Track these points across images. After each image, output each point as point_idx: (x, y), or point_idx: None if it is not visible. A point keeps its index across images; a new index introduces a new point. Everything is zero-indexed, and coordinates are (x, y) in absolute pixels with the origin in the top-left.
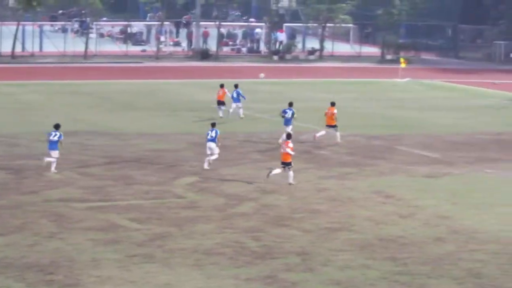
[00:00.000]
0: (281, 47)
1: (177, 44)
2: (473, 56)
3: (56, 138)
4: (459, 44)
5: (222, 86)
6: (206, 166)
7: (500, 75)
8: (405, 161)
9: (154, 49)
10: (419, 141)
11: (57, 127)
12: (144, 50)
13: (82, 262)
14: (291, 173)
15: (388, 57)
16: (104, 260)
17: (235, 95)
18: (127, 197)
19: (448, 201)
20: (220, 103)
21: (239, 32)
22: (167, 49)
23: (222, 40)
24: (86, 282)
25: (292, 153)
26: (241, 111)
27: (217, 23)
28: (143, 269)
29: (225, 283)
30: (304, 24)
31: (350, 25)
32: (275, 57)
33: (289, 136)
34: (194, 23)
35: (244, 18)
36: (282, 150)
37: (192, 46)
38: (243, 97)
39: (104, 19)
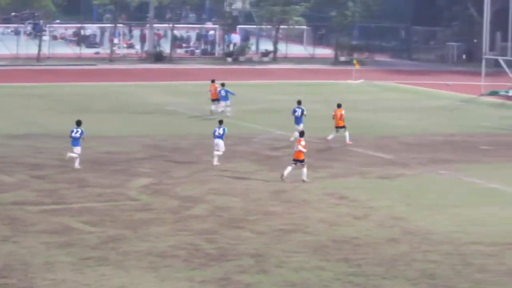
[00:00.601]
0: (235, 49)
1: (130, 46)
2: (426, 58)
3: (78, 135)
4: (413, 46)
5: (213, 81)
6: (215, 162)
7: (453, 76)
8: (359, 163)
9: (108, 51)
10: (373, 142)
11: (78, 123)
12: (97, 53)
13: (36, 266)
14: (304, 170)
15: (342, 58)
16: (58, 263)
17: (223, 93)
18: (81, 199)
19: (402, 202)
20: (215, 100)
21: (193, 34)
22: (121, 51)
23: (175, 42)
24: (40, 286)
25: (304, 150)
26: (228, 109)
27: (171, 25)
28: (97, 272)
29: (180, 285)
30: (258, 26)
31: (304, 27)
32: (229, 59)
33: (302, 134)
34: (148, 25)
35: (203, 18)
36: (295, 148)
37: (146, 48)
38: (232, 93)
39: (57, 21)
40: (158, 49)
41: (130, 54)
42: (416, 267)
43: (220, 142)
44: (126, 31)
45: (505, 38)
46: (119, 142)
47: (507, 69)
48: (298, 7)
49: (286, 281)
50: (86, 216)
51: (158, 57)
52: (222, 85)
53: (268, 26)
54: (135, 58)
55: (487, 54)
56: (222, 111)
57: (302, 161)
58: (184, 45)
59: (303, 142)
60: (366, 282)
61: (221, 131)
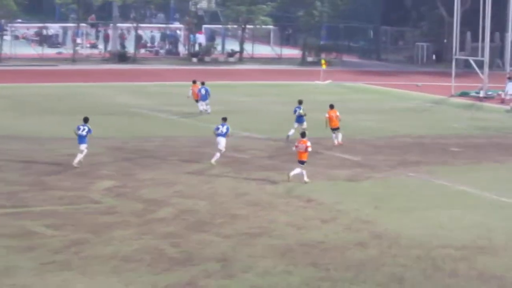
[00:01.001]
0: (200, 49)
1: (94, 46)
2: (395, 58)
3: (84, 133)
4: (381, 46)
5: (194, 82)
6: (213, 160)
7: (423, 77)
8: (326, 165)
9: (71, 51)
10: (342, 144)
11: (86, 120)
12: (60, 53)
13: None
14: (304, 171)
15: (309, 59)
16: (18, 268)
17: (203, 91)
18: (42, 203)
19: (370, 205)
20: (198, 100)
21: (157, 34)
22: (84, 51)
23: (140, 42)
24: None
25: (310, 150)
26: (208, 107)
27: (135, 25)
28: (59, 277)
29: None
30: (224, 26)
31: (271, 26)
32: (194, 59)
33: (303, 134)
34: (111, 25)
35: (175, 18)
36: (297, 149)
37: (109, 49)
38: (208, 94)
39: (19, 20)
40: (121, 49)
41: (94, 55)
42: (385, 271)
43: (222, 140)
44: (90, 31)
45: (475, 38)
46: None
47: (477, 70)
48: (264, 6)
49: (253, 286)
50: (47, 220)
51: (122, 58)
52: (202, 83)
53: (234, 26)
54: (99, 58)
55: (457, 55)
56: (202, 110)
57: (303, 162)
58: (148, 45)
59: (309, 143)
60: (334, 287)
61: (224, 129)
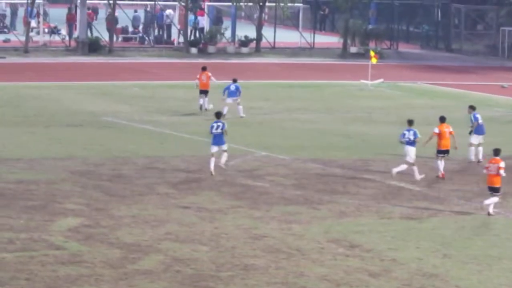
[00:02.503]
0: (201, 36)
1: (54, 31)
2: (471, 49)
3: (219, 130)
4: (452, 32)
5: (204, 69)
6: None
7: (510, 75)
8: (375, 196)
9: (22, 38)
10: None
11: (218, 115)
12: (7, 40)
13: None
14: (496, 199)
15: (353, 49)
16: None
17: (233, 88)
18: None
19: (436, 253)
20: (204, 92)
21: (142, 15)
22: (40, 38)
23: (117, 26)
24: None
25: (503, 174)
26: (241, 108)
27: (111, 2)
28: None
29: None
30: (235, 3)
31: (300, 5)
32: (194, 50)
33: (497, 151)
34: (78, 1)
35: None
36: (487, 171)
37: (76, 35)
38: (240, 92)
39: None
40: (92, 35)
41: (54, 43)
42: None
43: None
44: (49, 10)
45: None
46: (37, 166)
47: None
48: None
49: None
50: None
51: (93, 47)
52: (234, 81)
53: (249, 4)
54: (61, 48)
55: None
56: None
57: (497, 189)
58: (130, 29)
59: (502, 164)
60: None
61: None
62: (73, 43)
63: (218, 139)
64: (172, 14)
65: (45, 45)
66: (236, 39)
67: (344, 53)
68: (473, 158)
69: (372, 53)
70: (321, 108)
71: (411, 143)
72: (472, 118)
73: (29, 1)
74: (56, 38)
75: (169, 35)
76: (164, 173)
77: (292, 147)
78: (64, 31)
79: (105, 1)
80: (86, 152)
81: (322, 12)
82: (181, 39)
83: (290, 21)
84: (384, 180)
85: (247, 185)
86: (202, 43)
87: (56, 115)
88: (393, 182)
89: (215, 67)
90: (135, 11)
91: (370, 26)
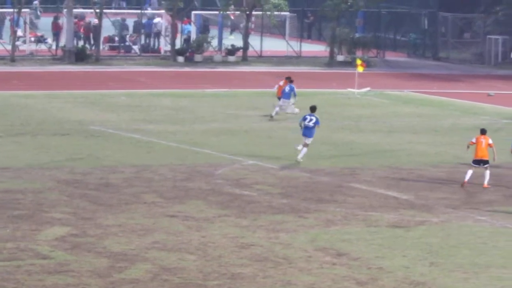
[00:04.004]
0: (188, 45)
1: (40, 40)
2: (458, 57)
3: (312, 124)
4: (439, 40)
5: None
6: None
7: (497, 83)
8: (362, 205)
9: (8, 47)
10: (382, 176)
11: (313, 109)
12: None
13: None
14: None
15: (340, 58)
16: None
17: (287, 89)
18: None
19: (423, 261)
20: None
21: (131, 23)
22: (27, 47)
23: (105, 34)
24: None
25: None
26: (293, 107)
27: (97, 10)
28: None
29: None
30: (222, 12)
31: (286, 13)
32: (180, 59)
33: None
34: (65, 10)
35: (150, 3)
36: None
37: (62, 44)
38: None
39: None
40: (79, 44)
41: (40, 52)
42: None
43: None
44: (33, 18)
45: None
46: (24, 176)
47: None
48: None
49: None
50: None
51: (80, 56)
52: (291, 81)
53: (236, 13)
54: (48, 57)
55: None
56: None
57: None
58: (117, 38)
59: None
60: None
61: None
62: (59, 52)
63: (308, 131)
64: (161, 23)
65: (32, 54)
66: (223, 47)
67: (331, 62)
68: None
69: (358, 62)
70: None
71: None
72: None
73: (15, 10)
74: (43, 47)
75: (156, 44)
76: (151, 182)
77: (279, 155)
78: (51, 40)
79: (92, 10)
80: (73, 161)
81: (307, 20)
82: (168, 48)
83: (277, 29)
84: (371, 188)
85: (234, 194)
86: (189, 51)
87: (43, 124)
88: (380, 191)
89: (202, 75)
90: (123, 20)
91: (357, 35)
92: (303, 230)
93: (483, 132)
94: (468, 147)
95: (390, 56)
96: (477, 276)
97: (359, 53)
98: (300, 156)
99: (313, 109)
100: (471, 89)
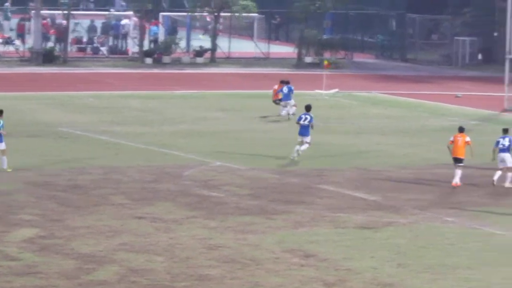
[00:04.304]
0: (156, 46)
1: (8, 42)
2: (426, 58)
3: (307, 122)
4: (407, 42)
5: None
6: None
7: (465, 84)
8: (330, 206)
9: None
10: (350, 177)
11: (307, 108)
12: None
13: None
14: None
15: (308, 59)
16: None
17: (285, 90)
18: None
19: (392, 262)
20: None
21: (98, 25)
22: None
23: (73, 36)
24: None
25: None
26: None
27: (65, 12)
28: None
29: None
30: (190, 14)
31: (255, 14)
32: (148, 60)
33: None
34: (33, 12)
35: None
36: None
37: (29, 45)
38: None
39: None
40: (46, 45)
41: (8, 53)
42: None
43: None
44: (1, 20)
45: None
46: None
47: None
48: None
49: None
50: None
51: (48, 58)
52: (287, 82)
53: (204, 14)
54: (15, 58)
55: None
56: (282, 115)
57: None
58: (84, 40)
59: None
60: None
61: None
62: (27, 54)
63: (303, 130)
64: (129, 24)
65: None
66: (191, 49)
67: (299, 63)
68: None
69: (326, 63)
70: (275, 117)
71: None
72: None
73: None
74: (10, 48)
75: (124, 45)
76: (119, 183)
77: (247, 157)
78: (18, 42)
79: (61, 12)
80: (40, 162)
81: (274, 22)
82: (136, 49)
83: (245, 31)
84: (339, 190)
85: (203, 195)
86: (157, 53)
87: (11, 125)
88: (348, 192)
89: (170, 77)
90: (92, 21)
91: (325, 36)
92: (271, 231)
93: (461, 130)
94: (448, 147)
95: (358, 57)
96: (444, 277)
97: (327, 54)
98: (302, 148)
99: (308, 108)
100: (439, 90)
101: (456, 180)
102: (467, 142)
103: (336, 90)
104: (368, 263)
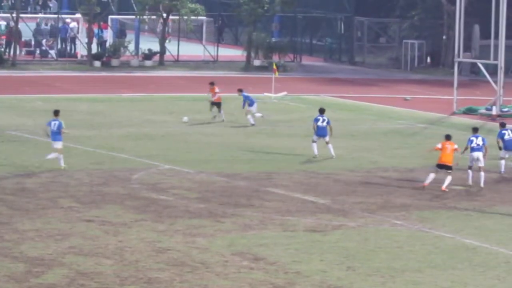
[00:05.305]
0: (105, 49)
1: None
2: (374, 61)
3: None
4: (355, 45)
5: (212, 84)
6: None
7: (413, 87)
8: (280, 210)
9: None
10: (299, 180)
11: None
12: None
13: None
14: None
15: (256, 62)
16: None
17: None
18: None
19: (340, 266)
20: (216, 104)
21: (46, 28)
22: None
23: (21, 39)
24: None
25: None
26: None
27: (14, 15)
28: None
29: None
30: (138, 17)
31: (203, 18)
32: (97, 63)
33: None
34: None
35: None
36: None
37: None
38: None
39: None
40: None
41: None
42: None
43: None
44: None
45: (486, 34)
46: None
47: (488, 77)
48: None
49: None
50: None
51: None
52: (240, 90)
53: (152, 17)
54: None
55: (460, 57)
56: (260, 116)
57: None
58: (32, 43)
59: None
60: None
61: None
62: None
63: (322, 131)
64: (76, 27)
65: None
66: (140, 52)
67: (247, 66)
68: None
69: (275, 66)
70: (225, 121)
71: None
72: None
73: None
74: None
75: (73, 49)
76: (67, 186)
77: (196, 160)
78: None
79: (8, 15)
80: None
81: (216, 25)
82: (85, 52)
83: (194, 34)
84: (288, 193)
85: (151, 198)
86: (106, 56)
87: None
88: (297, 195)
89: (119, 80)
90: (45, 24)
91: (273, 39)
92: (220, 234)
93: (448, 138)
94: (430, 151)
95: (307, 60)
96: (393, 280)
97: (275, 57)
98: (332, 152)
99: (322, 111)
100: (387, 93)
101: (445, 186)
102: (455, 149)
103: (285, 93)
104: (317, 266)
